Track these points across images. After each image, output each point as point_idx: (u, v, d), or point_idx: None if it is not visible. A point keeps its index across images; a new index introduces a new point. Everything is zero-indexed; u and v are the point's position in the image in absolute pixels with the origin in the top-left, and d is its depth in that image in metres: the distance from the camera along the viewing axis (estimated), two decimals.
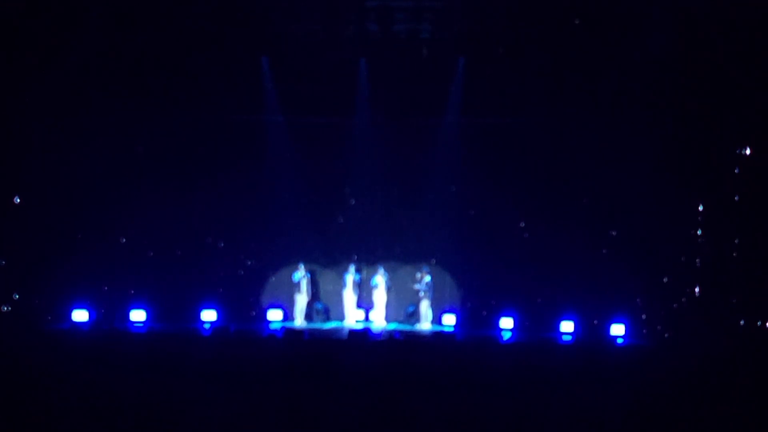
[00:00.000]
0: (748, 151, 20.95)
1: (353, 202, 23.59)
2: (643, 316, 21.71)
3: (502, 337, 21.26)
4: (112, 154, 22.18)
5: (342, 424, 15.18)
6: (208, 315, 22.01)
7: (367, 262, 23.28)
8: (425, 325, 22.38)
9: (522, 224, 22.88)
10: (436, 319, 22.49)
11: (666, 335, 21.24)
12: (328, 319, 23.12)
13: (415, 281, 22.67)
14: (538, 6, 20.70)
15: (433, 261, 23.11)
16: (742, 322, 20.45)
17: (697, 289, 21.31)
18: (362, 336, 19.89)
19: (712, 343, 19.84)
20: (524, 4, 20.70)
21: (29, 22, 20.41)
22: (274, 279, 23.42)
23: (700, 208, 21.33)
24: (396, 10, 21.18)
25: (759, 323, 20.18)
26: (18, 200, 21.78)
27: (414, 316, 22.78)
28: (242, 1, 20.95)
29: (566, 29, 21.03)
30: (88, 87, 21.59)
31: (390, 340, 19.83)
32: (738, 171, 21.10)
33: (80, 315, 21.38)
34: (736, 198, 21.08)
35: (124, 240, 22.60)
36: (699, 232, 21.42)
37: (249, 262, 23.42)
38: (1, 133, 21.27)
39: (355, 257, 23.21)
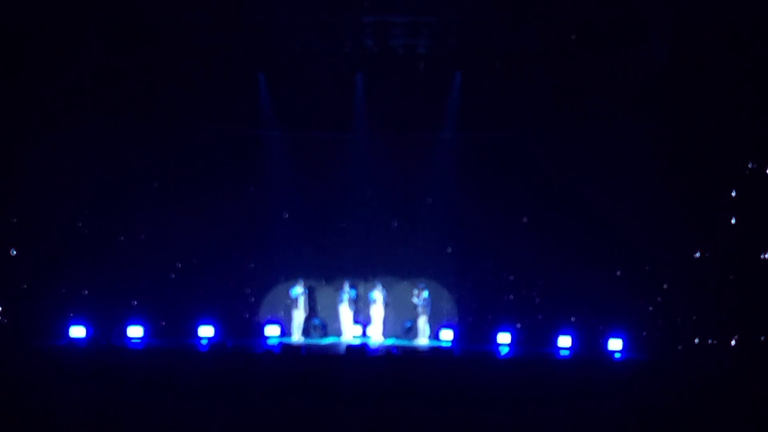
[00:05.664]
0: (748, 166, 20.94)
1: (350, 217, 23.53)
2: (642, 331, 21.65)
3: (499, 352, 21.19)
4: (109, 169, 22.14)
5: None
6: (206, 331, 21.95)
7: (365, 277, 23.22)
8: (423, 340, 22.32)
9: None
10: (434, 335, 22.42)
11: (664, 350, 21.18)
12: (325, 334, 23.06)
13: (412, 296, 22.63)
14: (534, 21, 20.72)
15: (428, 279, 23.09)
16: (740, 338, 20.42)
17: (695, 305, 21.26)
18: (359, 351, 19.81)
19: (710, 358, 19.84)
20: (520, 19, 20.70)
21: (28, 37, 20.43)
22: (271, 295, 23.37)
23: (699, 223, 21.27)
24: (393, 25, 21.12)
25: (759, 338, 20.15)
26: (14, 217, 21.74)
27: (411, 331, 22.72)
28: (239, 16, 20.93)
29: (563, 44, 21.06)
30: (85, 101, 21.53)
31: (387, 355, 19.76)
32: (737, 185, 21.09)
33: (77, 331, 21.31)
34: (734, 213, 21.06)
35: (121, 255, 22.50)
36: (698, 247, 21.38)
37: (246, 278, 23.34)
38: None
39: (353, 272, 23.14)
